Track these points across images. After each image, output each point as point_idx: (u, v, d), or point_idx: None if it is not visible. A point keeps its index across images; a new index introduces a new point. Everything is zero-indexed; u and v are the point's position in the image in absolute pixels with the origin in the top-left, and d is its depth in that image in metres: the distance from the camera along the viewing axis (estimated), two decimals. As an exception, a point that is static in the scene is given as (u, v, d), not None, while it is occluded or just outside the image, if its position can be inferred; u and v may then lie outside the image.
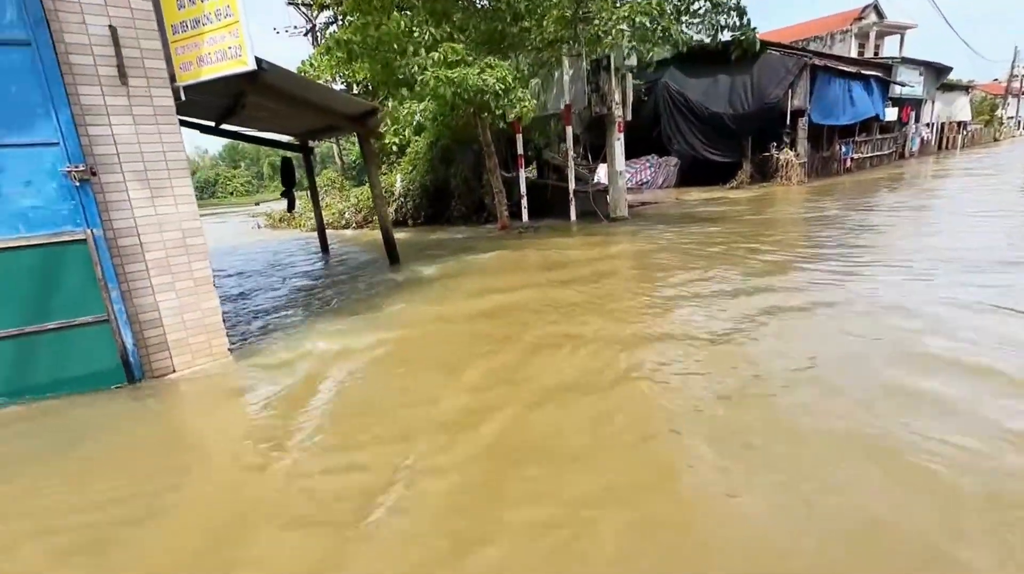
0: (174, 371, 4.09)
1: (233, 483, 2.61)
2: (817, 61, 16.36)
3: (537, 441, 2.74)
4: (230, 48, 3.66)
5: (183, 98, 4.10)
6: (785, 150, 16.21)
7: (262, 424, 3.23)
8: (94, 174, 3.68)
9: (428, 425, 2.98)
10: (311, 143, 10.48)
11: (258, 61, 5.88)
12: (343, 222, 15.94)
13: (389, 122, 8.89)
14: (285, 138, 10.76)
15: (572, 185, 11.48)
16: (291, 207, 10.36)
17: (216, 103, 7.97)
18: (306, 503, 2.38)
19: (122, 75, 3.72)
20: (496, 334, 4.47)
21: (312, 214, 16.76)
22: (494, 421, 2.92)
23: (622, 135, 10.94)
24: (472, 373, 3.66)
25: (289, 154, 10.22)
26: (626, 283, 5.94)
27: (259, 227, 18.86)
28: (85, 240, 3.26)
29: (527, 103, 8.73)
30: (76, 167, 3.16)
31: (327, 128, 8.81)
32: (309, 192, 10.93)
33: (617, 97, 10.59)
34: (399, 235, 13.03)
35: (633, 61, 9.89)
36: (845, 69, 17.76)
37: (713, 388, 3.13)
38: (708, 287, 5.29)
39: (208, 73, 3.81)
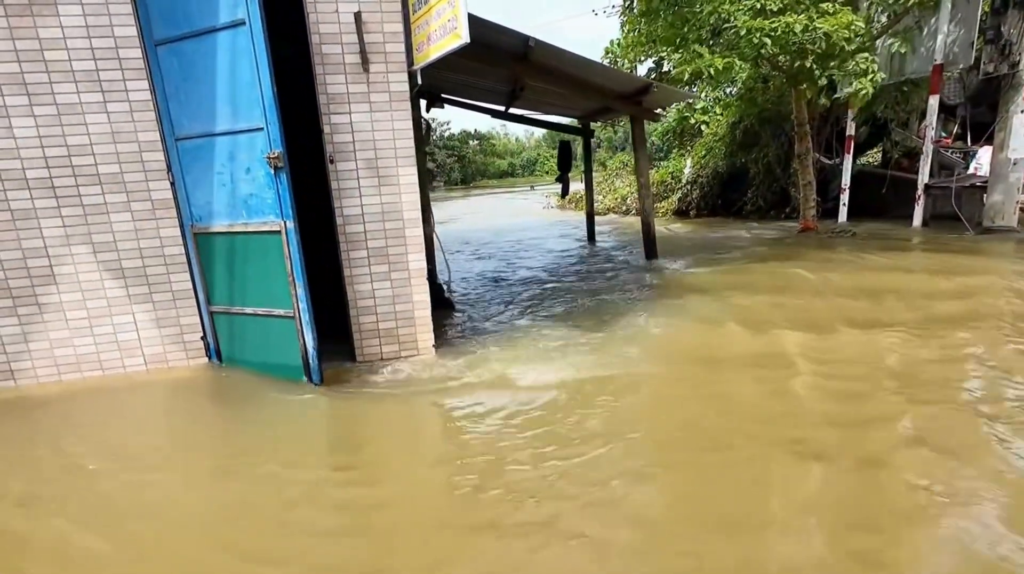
0: (381, 358, 4.09)
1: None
2: None
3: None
4: (449, 21, 3.24)
5: (420, 82, 3.93)
6: None
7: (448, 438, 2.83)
8: (332, 162, 3.80)
9: None
10: (593, 125, 10.05)
11: (524, 39, 5.61)
12: (624, 207, 15.36)
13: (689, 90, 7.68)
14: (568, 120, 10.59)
15: (924, 177, 8.29)
16: (564, 192, 10.20)
17: (503, 88, 8.17)
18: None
19: (364, 61, 3.68)
20: (764, 405, 3.08)
21: (601, 198, 16.72)
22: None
23: (1030, 105, 7.28)
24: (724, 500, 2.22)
25: (570, 137, 10.01)
26: (985, 355, 3.67)
27: (550, 207, 19.79)
28: (279, 232, 3.30)
29: (875, 75, 6.35)
30: (273, 153, 3.18)
31: (604, 109, 8.17)
32: (584, 176, 10.58)
33: (1032, 47, 7.03)
34: (678, 226, 11.80)
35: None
36: None
37: None
38: None
39: (435, 52, 3.50)
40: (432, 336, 4.18)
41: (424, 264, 4.07)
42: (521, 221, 16.00)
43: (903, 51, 7.73)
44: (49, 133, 3.43)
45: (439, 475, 2.58)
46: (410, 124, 3.85)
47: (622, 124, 30.13)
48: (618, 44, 15.55)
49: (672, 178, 14.18)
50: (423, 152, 8.17)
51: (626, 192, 15.93)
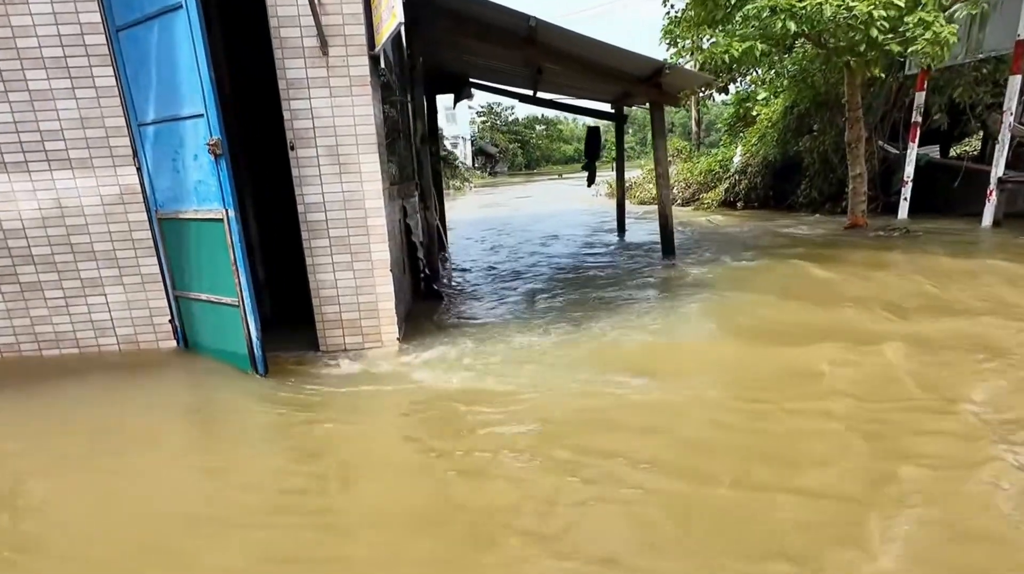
0: (344, 349, 4.04)
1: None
2: None
3: None
4: (392, 3, 3.06)
5: (381, 65, 3.78)
6: None
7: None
8: (293, 148, 3.74)
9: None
10: (626, 110, 9.55)
11: (526, 18, 5.33)
12: (671, 197, 14.63)
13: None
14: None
15: (997, 170, 7.29)
16: (591, 181, 9.78)
17: (526, 72, 7.90)
18: None
19: (323, 44, 3.57)
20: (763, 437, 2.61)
21: (651, 187, 15.97)
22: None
23: None
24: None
25: (601, 123, 9.59)
26: None
27: (597, 195, 19.22)
28: (222, 220, 3.25)
29: (941, 30, 5.42)
30: (212, 140, 3.12)
31: (627, 94, 7.73)
32: (616, 163, 10.13)
33: None
34: (719, 219, 11.10)
35: None
36: None
37: None
38: None
39: (385, 33, 3.34)
40: (396, 329, 4.08)
41: (388, 255, 3.95)
42: (564, 208, 15.67)
43: (975, 13, 6.69)
44: (23, 119, 3.56)
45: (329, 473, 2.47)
46: (371, 110, 3.71)
47: (678, 109, 28.59)
48: (669, 30, 14.76)
49: (721, 167, 13.35)
50: (434, 141, 8.06)
51: (673, 181, 15.17)
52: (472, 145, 47.79)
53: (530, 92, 9.20)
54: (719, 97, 19.77)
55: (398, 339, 4.09)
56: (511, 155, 54.40)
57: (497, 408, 3.06)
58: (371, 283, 3.98)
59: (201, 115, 3.14)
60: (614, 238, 9.49)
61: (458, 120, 45.38)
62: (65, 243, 3.77)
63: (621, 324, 4.40)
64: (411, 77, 6.06)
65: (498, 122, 53.54)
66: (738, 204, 12.17)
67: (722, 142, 15.38)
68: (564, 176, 35.29)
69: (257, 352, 3.45)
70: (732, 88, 15.97)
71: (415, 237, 5.38)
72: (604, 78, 6.39)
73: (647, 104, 10.15)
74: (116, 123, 3.63)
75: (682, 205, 14.11)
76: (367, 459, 2.67)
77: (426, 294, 5.51)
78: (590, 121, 12.24)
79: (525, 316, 4.84)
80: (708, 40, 11.05)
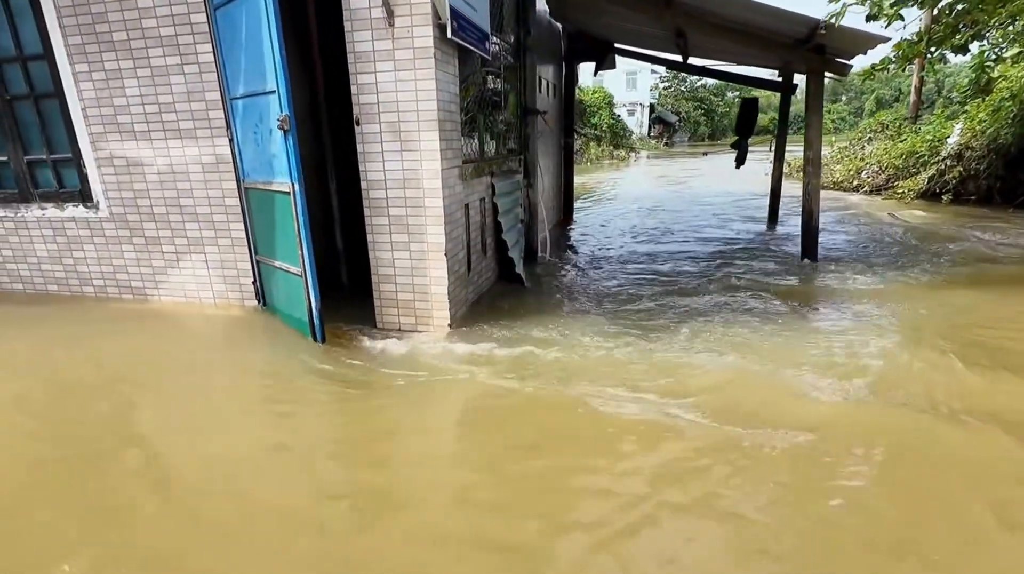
0: (399, 328, 4.01)
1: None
2: None
3: None
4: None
5: (450, 35, 3.50)
6: None
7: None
8: (358, 124, 3.70)
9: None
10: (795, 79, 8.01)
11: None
12: (855, 183, 12.26)
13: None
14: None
15: None
16: (740, 162, 8.48)
17: (669, 36, 7.01)
18: None
19: (389, 15, 3.42)
20: None
21: (841, 167, 13.47)
22: None
23: None
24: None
25: (764, 94, 8.19)
26: None
27: (766, 174, 16.93)
28: (289, 193, 3.31)
29: None
30: (281, 116, 3.14)
31: (787, 60, 6.40)
32: (776, 141, 8.63)
33: None
34: (911, 215, 8.99)
35: None
36: None
37: None
38: None
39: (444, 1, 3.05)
40: (447, 314, 3.92)
41: (443, 239, 3.77)
42: (726, 188, 14.07)
43: None
44: (147, 92, 4.02)
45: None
46: (434, 85, 3.49)
47: (903, 75, 23.14)
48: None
49: (929, 149, 10.67)
50: (569, 115, 7.48)
51: (861, 164, 12.66)
52: (651, 112, 45.27)
53: (679, 58, 8.19)
54: (955, 59, 15.75)
55: (448, 325, 3.94)
56: (693, 124, 50.39)
57: (508, 415, 2.77)
58: (425, 265, 3.86)
59: (274, 91, 3.21)
60: (761, 228, 8.21)
61: (638, 86, 43.06)
62: (176, 205, 4.25)
63: (694, 345, 3.71)
64: (525, 46, 5.70)
65: (683, 87, 49.63)
66: (944, 197, 9.68)
67: (936, 117, 12.30)
68: (707, 154, 31.40)
69: (316, 321, 3.60)
70: (975, 47, 12.60)
71: (503, 217, 5.13)
72: (750, 41, 5.34)
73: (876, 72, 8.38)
74: (214, 97, 3.92)
75: (869, 193, 11.72)
76: (353, 435, 2.59)
77: (510, 277, 5.27)
78: (756, 93, 10.61)
79: (604, 318, 4.33)
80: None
